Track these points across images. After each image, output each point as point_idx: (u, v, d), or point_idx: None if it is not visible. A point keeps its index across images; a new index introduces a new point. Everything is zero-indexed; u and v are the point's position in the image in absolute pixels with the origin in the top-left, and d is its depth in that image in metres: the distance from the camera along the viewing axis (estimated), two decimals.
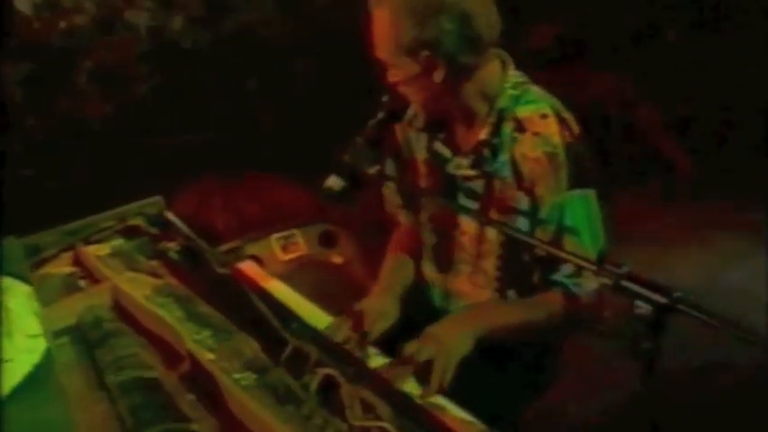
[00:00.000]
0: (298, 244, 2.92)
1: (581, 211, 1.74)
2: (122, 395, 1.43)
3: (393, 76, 1.77)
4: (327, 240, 3.00)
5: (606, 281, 1.27)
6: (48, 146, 4.08)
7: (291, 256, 2.88)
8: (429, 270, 2.05)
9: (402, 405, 1.40)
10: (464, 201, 1.86)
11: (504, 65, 1.82)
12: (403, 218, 2.14)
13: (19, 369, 1.37)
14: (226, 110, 4.27)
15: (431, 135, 1.93)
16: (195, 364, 1.52)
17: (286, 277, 2.70)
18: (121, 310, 1.79)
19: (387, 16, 1.70)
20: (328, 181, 1.68)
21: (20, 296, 1.60)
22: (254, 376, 1.49)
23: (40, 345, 1.46)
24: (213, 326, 1.68)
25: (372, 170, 1.70)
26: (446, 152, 1.89)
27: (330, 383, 1.44)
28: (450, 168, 1.88)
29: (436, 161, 1.92)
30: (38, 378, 1.36)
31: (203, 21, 4.46)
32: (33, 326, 1.51)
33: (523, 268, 1.83)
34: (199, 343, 1.59)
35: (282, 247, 2.88)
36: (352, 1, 2.00)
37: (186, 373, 1.53)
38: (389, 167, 2.04)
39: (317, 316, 1.89)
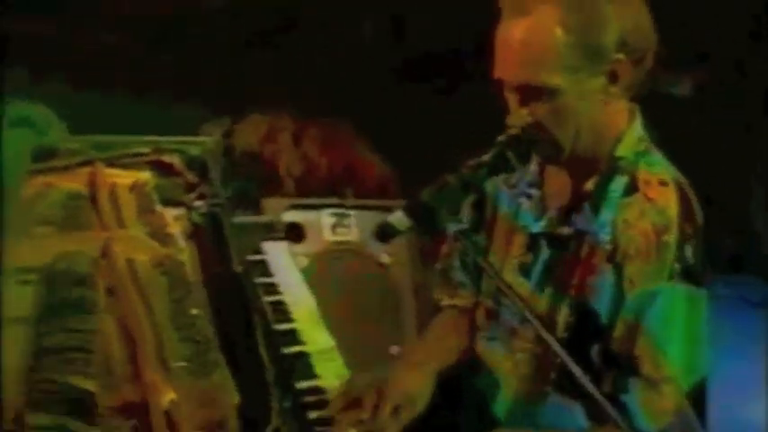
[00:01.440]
0: (350, 228, 2.57)
1: (680, 311, 1.39)
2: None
3: (531, 109, 1.41)
4: (383, 235, 2.63)
5: None
6: None
7: (339, 239, 2.54)
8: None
9: None
10: (540, 271, 1.54)
11: (631, 114, 1.51)
12: (457, 300, 1.78)
13: None
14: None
15: (522, 190, 1.60)
16: (142, 394, 1.18)
17: (322, 262, 2.44)
18: (103, 272, 1.47)
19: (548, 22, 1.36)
20: (393, 216, 1.38)
21: None
22: None
23: None
24: (193, 349, 1.33)
25: (454, 227, 1.37)
26: (535, 209, 1.57)
27: None
28: (536, 227, 1.55)
29: (520, 220, 1.60)
30: None
31: None
32: None
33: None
34: (164, 369, 1.26)
35: (333, 225, 2.54)
36: None
37: (126, 405, 1.19)
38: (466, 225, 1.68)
39: (320, 339, 1.66)
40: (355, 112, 3.31)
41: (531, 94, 1.40)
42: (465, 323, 1.75)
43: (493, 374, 1.65)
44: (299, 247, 2.42)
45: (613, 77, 1.41)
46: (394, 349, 2.44)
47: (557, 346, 1.27)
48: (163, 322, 1.36)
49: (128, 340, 1.26)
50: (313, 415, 1.40)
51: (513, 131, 1.43)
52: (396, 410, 1.48)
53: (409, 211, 1.37)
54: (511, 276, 1.59)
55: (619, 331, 1.41)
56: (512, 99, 1.43)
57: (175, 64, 3.58)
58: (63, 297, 1.37)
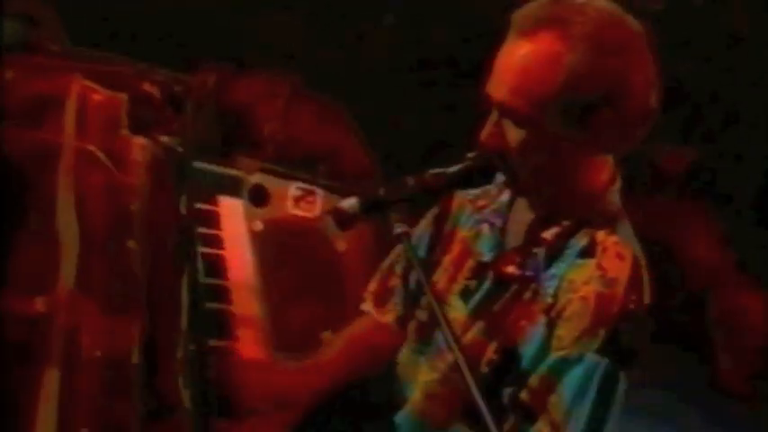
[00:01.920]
0: (314, 205, 2.54)
1: (596, 385, 1.37)
2: None
3: (513, 137, 1.38)
4: (344, 221, 2.61)
5: None
6: None
7: (299, 213, 2.51)
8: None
9: None
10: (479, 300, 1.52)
11: (611, 177, 1.49)
12: (380, 313, 1.77)
13: None
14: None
15: (486, 217, 1.58)
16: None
17: (277, 233, 2.41)
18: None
19: (551, 55, 1.32)
20: (346, 201, 1.43)
21: None
22: None
23: None
24: (119, 281, 1.30)
25: (399, 229, 1.34)
26: (493, 240, 1.55)
27: None
28: (488, 257, 1.54)
29: (476, 246, 1.58)
30: None
31: None
32: None
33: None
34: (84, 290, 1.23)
35: (296, 198, 2.51)
36: None
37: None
38: (420, 236, 1.68)
39: (247, 305, 1.67)
40: (355, 95, 3.28)
41: (511, 118, 1.38)
42: (380, 334, 1.73)
43: (405, 386, 1.64)
44: (258, 211, 2.39)
45: (597, 132, 1.37)
46: (326, 336, 2.42)
47: (469, 378, 1.23)
48: (95, 244, 1.33)
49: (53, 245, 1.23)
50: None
51: (481, 152, 1.43)
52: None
53: (362, 201, 1.39)
54: (452, 298, 1.58)
55: (534, 382, 1.40)
56: (492, 116, 1.41)
57: None
58: None
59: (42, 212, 1.32)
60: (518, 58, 1.35)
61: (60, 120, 1.59)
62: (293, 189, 2.52)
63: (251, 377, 1.48)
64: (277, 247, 2.41)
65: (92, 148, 1.53)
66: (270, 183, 2.45)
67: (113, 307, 1.23)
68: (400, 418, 1.57)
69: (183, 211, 1.54)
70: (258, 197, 2.40)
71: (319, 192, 2.55)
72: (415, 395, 1.58)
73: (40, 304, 1.13)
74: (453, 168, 1.43)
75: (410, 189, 1.40)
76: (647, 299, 1.43)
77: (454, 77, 3.52)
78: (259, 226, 2.35)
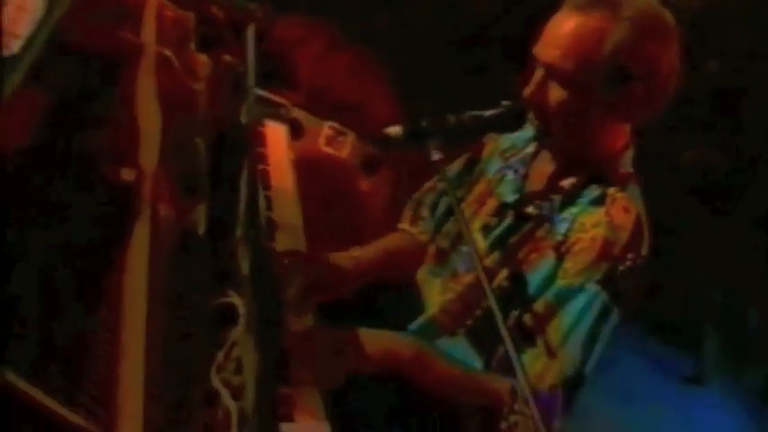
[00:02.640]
0: (344, 145, 2.71)
1: (589, 311, 1.55)
2: None
3: (555, 95, 1.55)
4: (371, 164, 2.78)
5: None
6: None
7: (330, 150, 2.67)
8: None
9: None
10: (498, 235, 1.70)
11: (628, 143, 1.67)
12: (414, 229, 1.96)
13: None
14: None
15: (512, 164, 1.76)
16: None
17: (308, 166, 2.56)
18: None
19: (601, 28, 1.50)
20: (391, 128, 1.57)
21: None
22: None
23: None
24: (183, 167, 1.47)
25: (437, 156, 1.50)
26: (516, 184, 1.74)
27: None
28: (510, 198, 1.72)
29: (499, 188, 1.76)
30: None
31: None
32: None
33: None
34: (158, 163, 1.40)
35: (328, 137, 2.67)
36: None
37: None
38: (454, 173, 1.85)
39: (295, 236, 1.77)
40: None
41: (558, 79, 1.55)
42: (411, 248, 1.92)
43: (421, 299, 1.83)
44: (292, 143, 2.54)
45: (627, 102, 1.56)
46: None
47: (490, 294, 1.37)
48: (169, 134, 1.49)
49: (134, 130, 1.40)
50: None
51: (520, 102, 1.59)
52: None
53: (406, 128, 1.55)
54: (473, 232, 1.75)
55: (538, 307, 1.56)
56: (537, 75, 1.58)
57: None
58: None
59: (125, 100, 1.49)
60: (571, 27, 1.52)
61: (138, 27, 1.75)
62: (326, 128, 2.69)
63: (298, 257, 1.68)
64: (306, 178, 2.59)
65: (168, 53, 1.70)
66: (306, 119, 2.62)
67: (184, 187, 1.40)
68: (415, 324, 1.75)
69: (243, 120, 1.70)
70: (295, 130, 2.57)
71: (350, 134, 2.72)
72: (430, 309, 1.77)
73: (127, 174, 1.29)
74: (490, 112, 1.59)
75: (450, 125, 1.56)
76: (644, 252, 1.59)
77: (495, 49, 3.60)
78: (292, 156, 2.52)
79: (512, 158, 1.79)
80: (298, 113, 2.55)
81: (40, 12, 1.33)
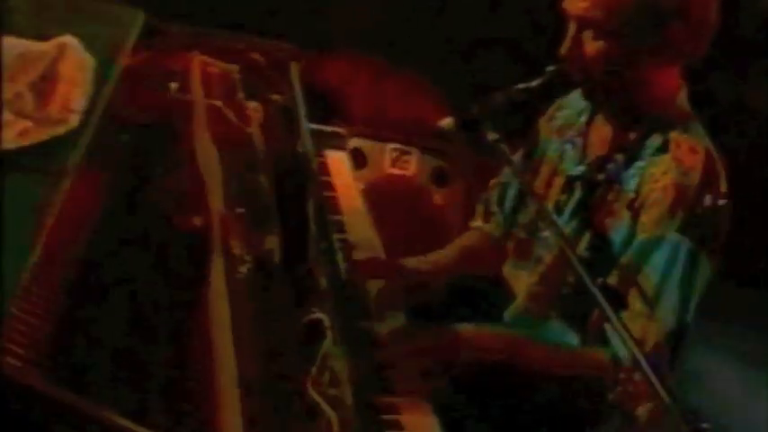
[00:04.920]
0: (410, 163, 2.72)
1: (680, 261, 1.49)
2: None
3: (591, 48, 1.52)
4: (440, 177, 2.78)
5: None
6: None
7: (397, 171, 2.69)
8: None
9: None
10: (571, 210, 1.67)
11: (680, 84, 1.63)
12: (486, 225, 1.94)
13: None
14: None
15: (569, 138, 1.74)
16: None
17: (378, 191, 2.59)
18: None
19: None
20: (444, 120, 1.57)
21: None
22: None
23: None
24: (249, 204, 1.51)
25: (492, 137, 1.48)
26: (577, 155, 1.70)
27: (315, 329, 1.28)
28: (575, 171, 1.69)
29: (562, 164, 1.73)
30: None
31: None
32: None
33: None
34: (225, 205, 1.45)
35: (393, 158, 2.70)
36: None
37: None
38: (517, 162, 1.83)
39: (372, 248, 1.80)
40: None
41: (590, 29, 1.51)
42: (485, 244, 1.91)
43: (511, 290, 1.81)
44: (358, 173, 2.58)
45: (668, 42, 1.51)
46: None
47: (574, 259, 1.35)
48: (234, 177, 1.55)
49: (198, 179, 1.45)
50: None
51: (560, 66, 1.57)
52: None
53: (458, 118, 1.55)
54: None
55: (622, 265, 1.52)
56: (571, 29, 1.55)
57: None
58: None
59: (187, 154, 1.55)
60: None
61: (188, 86, 1.83)
62: (389, 150, 2.72)
63: (375, 263, 1.72)
64: (379, 203, 2.61)
65: (218, 104, 1.76)
66: (366, 146, 2.65)
67: (254, 222, 1.44)
68: (506, 315, 1.73)
69: (300, 149, 1.74)
70: (357, 160, 2.60)
71: (414, 151, 2.74)
72: (518, 298, 1.75)
73: (197, 221, 1.34)
74: (536, 82, 1.57)
75: (499, 103, 1.54)
76: (723, 187, 1.53)
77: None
78: (360, 187, 2.55)
79: (568, 133, 1.76)
80: (357, 142, 2.59)
81: (90, 85, 1.40)
